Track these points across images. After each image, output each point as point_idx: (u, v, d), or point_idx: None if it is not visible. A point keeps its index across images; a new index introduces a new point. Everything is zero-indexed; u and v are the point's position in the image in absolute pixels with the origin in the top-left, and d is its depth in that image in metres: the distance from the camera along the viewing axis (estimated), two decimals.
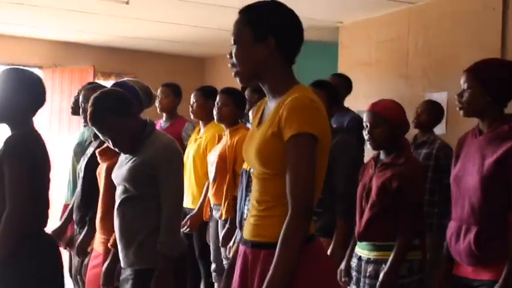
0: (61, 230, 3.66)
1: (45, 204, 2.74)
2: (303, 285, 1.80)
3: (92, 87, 3.63)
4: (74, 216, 3.57)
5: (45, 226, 2.74)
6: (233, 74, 1.95)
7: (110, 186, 2.92)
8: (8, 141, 2.60)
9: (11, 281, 2.59)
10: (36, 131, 2.75)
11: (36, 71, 7.14)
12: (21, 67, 2.85)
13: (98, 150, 3.18)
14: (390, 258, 2.82)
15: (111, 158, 2.99)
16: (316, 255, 1.87)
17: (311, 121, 1.80)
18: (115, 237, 2.81)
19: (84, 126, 4.12)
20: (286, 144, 1.81)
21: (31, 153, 2.61)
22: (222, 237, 3.83)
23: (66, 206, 3.97)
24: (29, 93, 2.71)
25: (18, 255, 2.57)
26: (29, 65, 7.11)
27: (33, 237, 2.64)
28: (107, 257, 2.92)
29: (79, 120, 4.62)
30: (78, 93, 3.74)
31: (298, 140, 1.78)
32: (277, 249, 1.77)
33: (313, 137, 1.79)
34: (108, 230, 2.95)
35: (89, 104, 2.67)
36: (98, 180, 3.16)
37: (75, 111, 3.91)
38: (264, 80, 1.94)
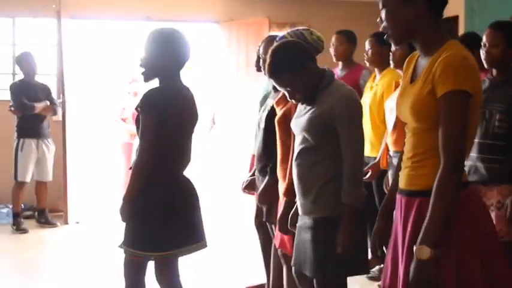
0: (251, 181, 3.78)
1: (173, 155, 2.86)
2: (458, 235, 1.91)
3: (270, 39, 3.66)
4: (255, 166, 3.67)
5: (172, 174, 2.87)
6: (385, 37, 2.05)
7: (286, 134, 3.01)
8: (145, 95, 2.78)
9: (134, 215, 2.81)
10: (176, 86, 2.87)
11: (213, 26, 7.59)
12: (166, 27, 2.96)
13: (275, 100, 3.27)
14: None
15: (286, 103, 3.05)
16: (469, 202, 1.95)
17: (464, 78, 1.88)
18: (287, 185, 2.92)
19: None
20: (440, 100, 1.90)
21: (162, 108, 2.74)
22: None
23: (254, 157, 4.06)
24: (172, 50, 2.83)
25: (141, 194, 2.78)
26: (205, 20, 7.60)
27: (156, 181, 2.79)
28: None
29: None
30: (258, 48, 3.81)
31: (452, 96, 1.88)
32: (430, 202, 1.88)
33: (466, 94, 1.88)
34: (285, 178, 3.04)
35: (268, 55, 2.71)
36: (277, 130, 3.23)
37: (258, 67, 3.99)
38: (416, 39, 2.03)
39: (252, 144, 3.82)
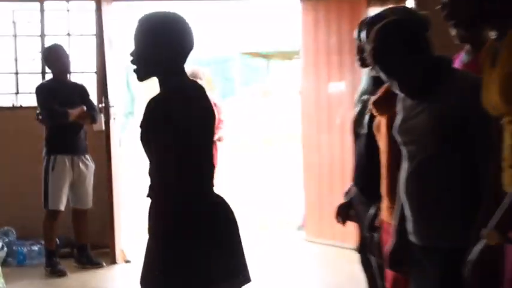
0: (347, 204, 3.83)
1: (197, 168, 2.84)
2: None
3: (372, 20, 3.49)
4: (354, 182, 3.70)
5: (202, 189, 2.88)
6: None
7: (393, 144, 2.98)
8: (148, 108, 2.76)
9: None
10: (183, 85, 2.86)
11: (295, 2, 7.49)
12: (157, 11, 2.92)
13: (373, 100, 3.25)
14: None
15: (391, 108, 3.01)
16: None
17: None
18: (394, 206, 2.92)
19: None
20: None
21: (174, 120, 2.71)
22: None
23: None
24: (170, 39, 2.81)
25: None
26: None
27: (186, 210, 2.77)
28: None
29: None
30: (358, 33, 3.70)
31: None
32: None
33: None
34: (391, 196, 3.05)
35: (371, 37, 2.74)
36: (376, 137, 3.27)
37: (362, 61, 3.76)
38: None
39: (349, 154, 3.93)
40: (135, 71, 2.87)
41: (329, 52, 7.11)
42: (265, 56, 18.54)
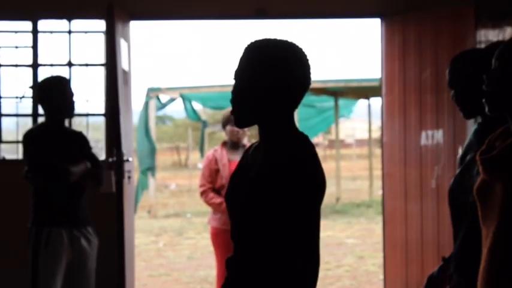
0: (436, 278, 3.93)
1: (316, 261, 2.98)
2: None
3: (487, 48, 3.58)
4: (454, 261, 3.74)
5: None
6: None
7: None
8: (271, 163, 2.91)
9: None
10: (297, 136, 3.05)
11: (374, 21, 7.71)
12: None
13: (478, 153, 3.16)
14: None
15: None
16: None
17: None
18: None
19: None
20: None
21: (302, 182, 2.87)
22: None
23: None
24: (290, 76, 2.99)
25: None
26: (360, 13, 7.94)
27: None
28: None
29: None
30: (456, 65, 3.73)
31: None
32: None
33: None
34: None
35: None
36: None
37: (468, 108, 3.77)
38: None
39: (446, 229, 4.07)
40: (233, 111, 3.02)
41: (421, 89, 7.14)
42: (334, 93, 18.55)
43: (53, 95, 6.36)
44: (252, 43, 3.06)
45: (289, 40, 3.07)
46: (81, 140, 6.52)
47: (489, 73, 2.90)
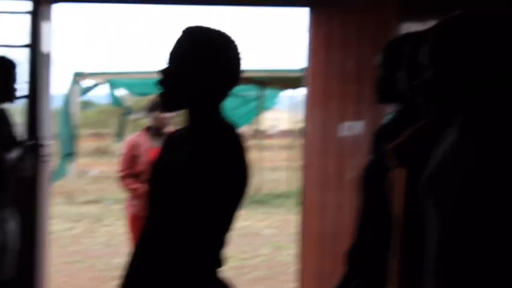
0: None
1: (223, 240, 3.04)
2: None
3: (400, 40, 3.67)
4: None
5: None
6: None
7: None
8: (205, 153, 2.92)
9: None
10: (227, 126, 3.07)
11: (302, 11, 7.47)
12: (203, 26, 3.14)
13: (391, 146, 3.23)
14: None
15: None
16: None
17: None
18: None
19: None
20: None
21: (229, 172, 2.92)
22: None
23: None
24: (221, 63, 3.06)
25: None
26: (289, 2, 7.27)
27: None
28: None
29: None
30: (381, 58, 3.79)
31: None
32: None
33: None
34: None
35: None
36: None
37: (382, 94, 3.86)
38: None
39: None
40: (161, 94, 3.06)
41: (344, 80, 7.15)
42: (259, 82, 18.55)
43: None
44: (188, 28, 3.09)
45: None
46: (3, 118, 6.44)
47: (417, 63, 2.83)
